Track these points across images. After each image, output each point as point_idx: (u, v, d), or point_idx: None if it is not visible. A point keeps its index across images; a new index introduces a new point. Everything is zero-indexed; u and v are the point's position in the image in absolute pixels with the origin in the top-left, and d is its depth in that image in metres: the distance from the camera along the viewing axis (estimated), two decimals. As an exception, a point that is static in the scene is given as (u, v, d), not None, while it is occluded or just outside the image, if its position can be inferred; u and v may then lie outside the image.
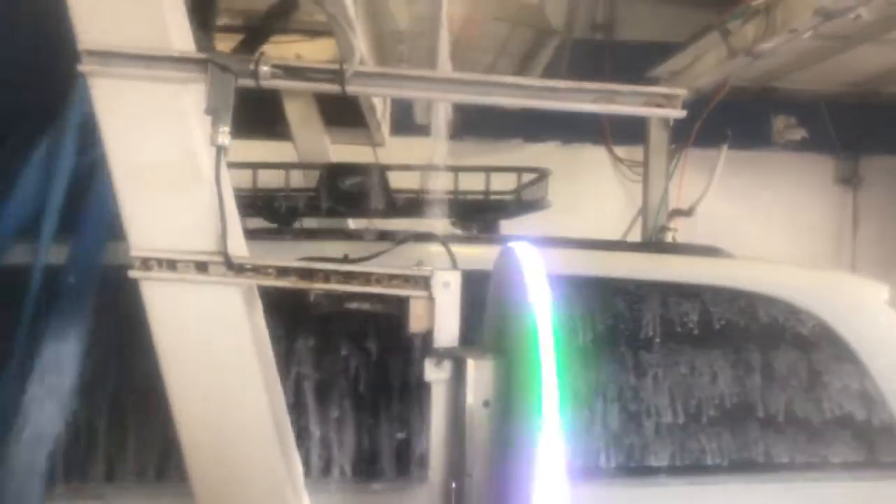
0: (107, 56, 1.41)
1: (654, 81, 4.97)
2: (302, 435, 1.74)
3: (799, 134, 5.81)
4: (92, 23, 1.41)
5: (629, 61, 5.28)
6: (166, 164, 1.44)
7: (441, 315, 1.42)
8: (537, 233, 1.87)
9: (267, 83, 1.47)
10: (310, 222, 2.54)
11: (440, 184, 2.33)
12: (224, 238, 1.45)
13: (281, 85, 1.53)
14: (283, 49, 2.97)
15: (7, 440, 1.54)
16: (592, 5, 5.84)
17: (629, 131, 5.69)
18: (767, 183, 5.95)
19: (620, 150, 5.94)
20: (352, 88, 1.50)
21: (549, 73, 4.94)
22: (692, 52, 4.89)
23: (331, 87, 1.50)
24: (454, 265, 1.55)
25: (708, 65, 4.74)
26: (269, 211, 2.28)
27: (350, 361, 1.82)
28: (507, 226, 2.48)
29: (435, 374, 1.39)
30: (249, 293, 1.53)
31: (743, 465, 1.90)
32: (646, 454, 1.87)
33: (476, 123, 4.81)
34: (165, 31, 1.43)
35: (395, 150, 3.42)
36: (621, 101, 1.51)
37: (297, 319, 1.74)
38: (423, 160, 2.44)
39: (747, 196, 5.81)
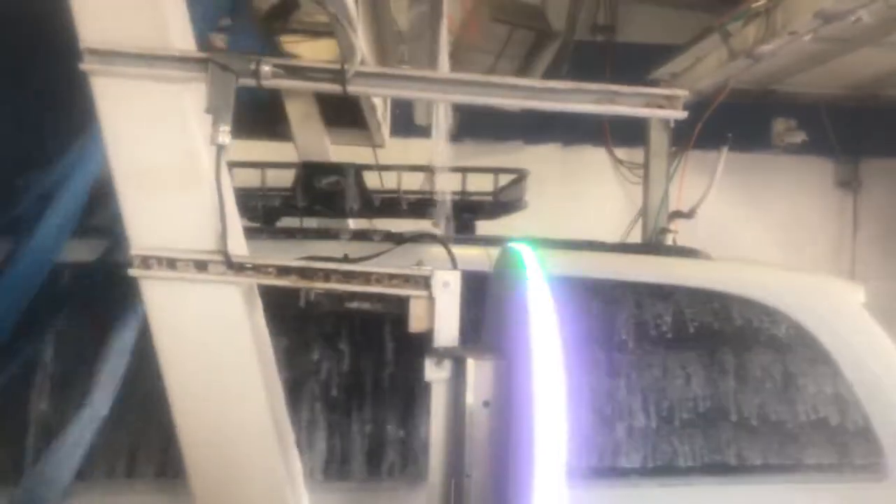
0: (108, 55, 1.41)
1: (654, 84, 4.98)
2: (301, 435, 1.73)
3: (799, 137, 5.81)
4: (93, 22, 1.41)
5: (630, 63, 5.28)
6: (167, 163, 1.44)
7: (441, 315, 1.42)
8: (529, 234, 1.85)
9: (268, 83, 1.47)
10: (310, 222, 2.54)
11: (420, 184, 2.33)
12: (224, 237, 1.45)
13: (282, 84, 1.53)
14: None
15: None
16: (593, 7, 5.84)
17: (630, 133, 5.70)
18: (768, 185, 5.96)
19: (621, 152, 5.95)
20: (353, 88, 1.49)
21: (550, 74, 4.96)
22: (693, 54, 4.90)
23: (332, 87, 1.50)
24: (454, 265, 1.56)
25: (708, 67, 4.76)
26: (246, 210, 2.27)
27: (350, 361, 1.82)
28: (510, 227, 2.47)
29: (435, 373, 1.39)
30: (249, 292, 1.53)
31: (716, 467, 1.88)
32: (618, 456, 1.85)
33: (476, 125, 4.82)
34: (166, 31, 1.43)
35: (394, 151, 3.42)
36: (622, 103, 1.51)
37: (290, 318, 1.73)
38: (423, 161, 2.44)
39: (748, 198, 5.81)
